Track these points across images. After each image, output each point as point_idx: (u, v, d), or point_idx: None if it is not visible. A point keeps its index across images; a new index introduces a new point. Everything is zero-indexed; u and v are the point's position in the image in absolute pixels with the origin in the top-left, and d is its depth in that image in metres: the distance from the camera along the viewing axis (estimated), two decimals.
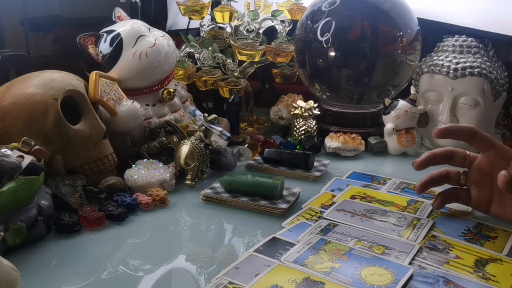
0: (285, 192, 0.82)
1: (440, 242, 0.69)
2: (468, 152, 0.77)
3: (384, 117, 1.08)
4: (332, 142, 1.05)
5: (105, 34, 0.95)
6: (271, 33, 1.18)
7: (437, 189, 0.82)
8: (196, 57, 1.15)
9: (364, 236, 0.69)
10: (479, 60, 1.03)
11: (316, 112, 1.09)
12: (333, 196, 0.83)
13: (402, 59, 1.09)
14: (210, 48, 1.14)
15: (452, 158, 0.77)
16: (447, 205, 0.80)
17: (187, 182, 0.86)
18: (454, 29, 1.14)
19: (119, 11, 1.01)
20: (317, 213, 0.77)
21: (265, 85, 1.32)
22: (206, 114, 0.92)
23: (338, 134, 1.06)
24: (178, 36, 1.17)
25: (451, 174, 0.77)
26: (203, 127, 0.91)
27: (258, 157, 1.00)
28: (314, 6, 1.13)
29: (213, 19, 1.20)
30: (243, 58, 1.13)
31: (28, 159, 0.67)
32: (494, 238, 0.70)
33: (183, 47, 1.15)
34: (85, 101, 0.84)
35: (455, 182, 0.78)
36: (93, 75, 0.86)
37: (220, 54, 1.14)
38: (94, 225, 0.73)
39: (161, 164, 0.88)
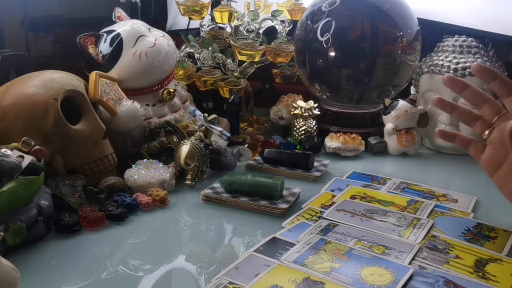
0: (285, 192, 0.82)
1: (440, 242, 0.69)
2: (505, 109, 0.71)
3: (384, 117, 1.08)
4: (332, 142, 1.05)
5: (105, 34, 0.95)
6: (271, 33, 1.18)
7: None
8: (196, 57, 1.15)
9: (364, 236, 0.69)
10: (479, 60, 1.03)
11: (316, 112, 1.09)
12: (333, 196, 0.83)
13: (402, 59, 1.09)
14: (210, 48, 1.14)
15: (488, 100, 0.71)
16: (447, 205, 0.80)
17: (187, 182, 0.86)
18: (454, 29, 1.14)
19: (119, 11, 1.01)
20: (317, 213, 0.77)
21: (265, 85, 1.32)
22: (206, 114, 0.92)
23: (338, 134, 1.06)
24: (178, 36, 1.17)
25: (480, 121, 0.72)
26: (203, 127, 0.91)
27: (258, 157, 1.00)
28: (314, 6, 1.13)
29: (213, 19, 1.20)
30: (243, 58, 1.13)
31: (28, 159, 0.67)
32: (494, 238, 0.70)
33: (183, 47, 1.15)
34: (85, 101, 0.84)
35: (479, 129, 0.73)
36: (93, 75, 0.86)
37: (220, 54, 1.14)
38: (94, 225, 0.73)
39: (161, 164, 0.88)
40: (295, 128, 1.09)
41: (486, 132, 0.72)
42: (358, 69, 1.10)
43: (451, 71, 1.02)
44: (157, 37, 0.95)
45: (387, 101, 1.08)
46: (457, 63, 1.03)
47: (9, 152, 0.67)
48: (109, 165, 0.85)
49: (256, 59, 1.13)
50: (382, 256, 0.64)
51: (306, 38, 1.12)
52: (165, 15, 1.61)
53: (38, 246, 0.68)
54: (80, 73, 0.89)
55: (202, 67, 1.15)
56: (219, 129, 0.92)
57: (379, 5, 1.09)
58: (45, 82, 0.79)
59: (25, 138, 0.70)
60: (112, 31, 0.94)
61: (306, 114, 1.08)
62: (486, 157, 0.72)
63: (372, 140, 1.08)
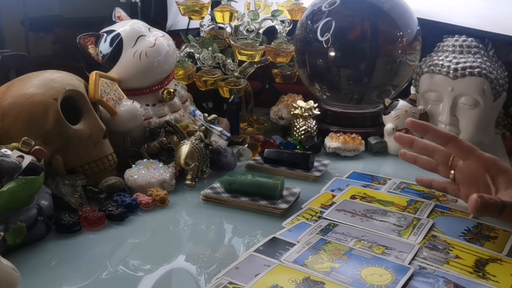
0: (285, 192, 0.82)
1: (440, 242, 0.69)
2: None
3: (384, 117, 1.08)
4: (332, 142, 1.05)
5: (105, 34, 0.95)
6: (271, 33, 1.18)
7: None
8: (196, 57, 1.15)
9: (364, 236, 0.69)
10: (479, 60, 1.03)
11: (316, 112, 1.09)
12: (333, 196, 0.83)
13: (402, 59, 1.09)
14: (210, 48, 1.14)
15: (434, 151, 0.79)
16: (447, 205, 0.80)
17: (187, 182, 0.86)
18: (454, 29, 1.14)
19: (119, 11, 1.01)
20: (317, 213, 0.77)
21: (265, 85, 1.32)
22: (206, 114, 0.92)
23: (338, 134, 1.06)
24: (178, 36, 1.17)
25: (440, 167, 0.80)
26: (203, 127, 0.91)
27: (258, 157, 1.00)
28: (314, 6, 1.13)
29: (213, 19, 1.20)
30: (243, 58, 1.13)
31: (28, 159, 0.67)
32: (494, 238, 0.70)
33: (183, 47, 1.15)
34: (85, 101, 0.84)
35: (444, 173, 0.81)
36: (93, 75, 0.86)
37: (220, 54, 1.14)
38: (94, 225, 0.73)
39: (161, 164, 0.88)
40: (295, 128, 1.09)
41: (452, 172, 0.78)
42: (358, 69, 1.10)
43: (451, 71, 1.02)
44: (157, 37, 0.95)
45: (387, 101, 1.08)
46: (457, 63, 1.03)
47: (9, 152, 0.67)
48: (109, 165, 0.85)
49: (256, 59, 1.13)
50: (382, 256, 0.64)
51: (306, 38, 1.12)
52: (165, 15, 1.61)
53: (38, 246, 0.68)
54: (80, 73, 0.89)
55: (202, 67, 1.15)
56: (219, 129, 0.92)
57: (379, 5, 1.09)
58: (45, 82, 0.79)
59: (25, 138, 0.70)
60: (112, 31, 0.94)
61: (306, 114, 1.08)
62: (463, 195, 0.78)
63: (372, 140, 1.08)
